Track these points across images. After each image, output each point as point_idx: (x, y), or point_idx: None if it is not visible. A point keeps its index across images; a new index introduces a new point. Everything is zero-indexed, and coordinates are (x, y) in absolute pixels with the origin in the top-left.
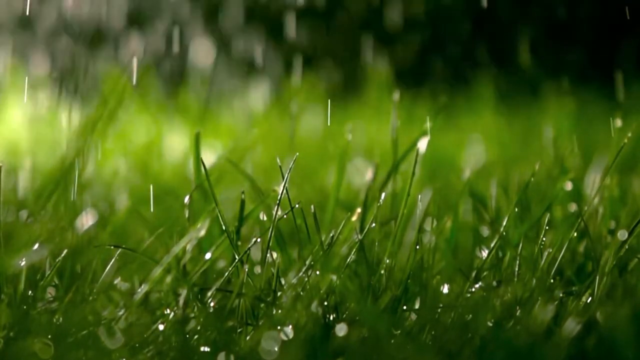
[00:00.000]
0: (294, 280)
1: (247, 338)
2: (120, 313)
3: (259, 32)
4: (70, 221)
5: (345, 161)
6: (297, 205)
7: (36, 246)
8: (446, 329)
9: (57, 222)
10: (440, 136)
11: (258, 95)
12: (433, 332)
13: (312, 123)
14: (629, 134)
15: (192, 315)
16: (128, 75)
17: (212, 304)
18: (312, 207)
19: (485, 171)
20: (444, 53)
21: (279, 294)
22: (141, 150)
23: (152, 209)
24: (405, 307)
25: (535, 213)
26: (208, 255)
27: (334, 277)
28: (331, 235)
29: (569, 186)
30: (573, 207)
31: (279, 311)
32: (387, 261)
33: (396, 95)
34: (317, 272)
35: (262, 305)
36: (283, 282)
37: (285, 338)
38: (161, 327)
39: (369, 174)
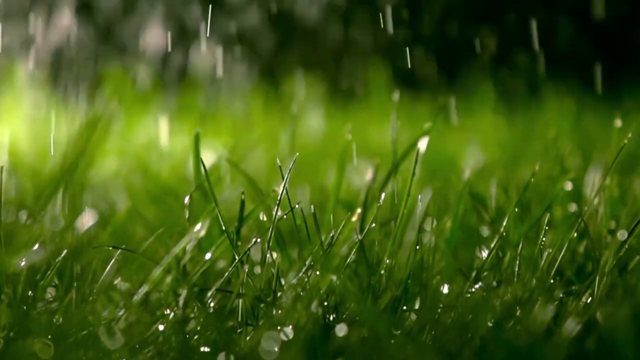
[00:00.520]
0: (294, 281)
1: (247, 338)
2: (120, 313)
3: (259, 32)
4: (70, 221)
5: (345, 161)
6: (297, 206)
7: (36, 246)
8: (446, 329)
9: (57, 223)
10: (440, 136)
11: (258, 95)
12: (433, 332)
13: (313, 123)
14: (629, 134)
15: (192, 315)
16: (129, 75)
17: (212, 304)
18: (312, 207)
19: (485, 171)
20: (444, 53)
21: (279, 294)
22: (141, 150)
23: (152, 210)
24: (405, 307)
25: (535, 213)
26: (208, 256)
27: (334, 277)
28: (331, 235)
29: (569, 186)
30: (573, 207)
31: (279, 311)
32: (387, 261)
33: (396, 96)
34: (317, 272)
35: (262, 305)
36: (283, 282)
37: (285, 338)
38: (161, 327)
39: (369, 174)
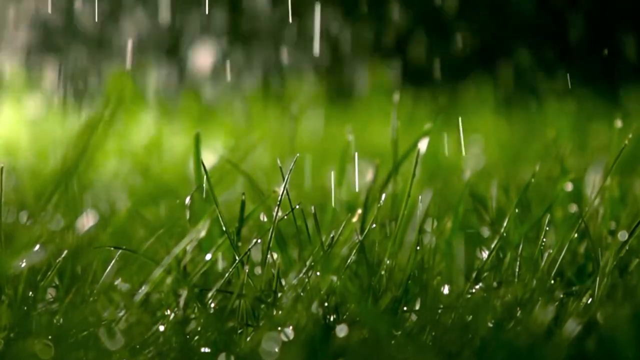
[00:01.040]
0: (295, 281)
1: (248, 339)
2: (121, 314)
3: (260, 32)
4: (70, 222)
5: (345, 162)
6: (297, 206)
7: (37, 247)
8: (446, 329)
9: (58, 223)
10: (440, 137)
11: (259, 95)
12: (433, 333)
13: (313, 124)
14: (630, 135)
15: (193, 316)
16: (129, 76)
17: (212, 305)
18: (312, 207)
19: (485, 172)
20: (444, 53)
21: (279, 294)
22: (142, 151)
23: (152, 210)
24: (405, 308)
25: (536, 214)
26: (208, 256)
27: (335, 278)
28: (332, 236)
29: (569, 187)
30: (573, 207)
31: (280, 312)
32: (388, 262)
33: (396, 96)
34: (318, 273)
35: (263, 306)
36: (283, 283)
37: (285, 339)
38: (161, 328)
39: (369, 175)
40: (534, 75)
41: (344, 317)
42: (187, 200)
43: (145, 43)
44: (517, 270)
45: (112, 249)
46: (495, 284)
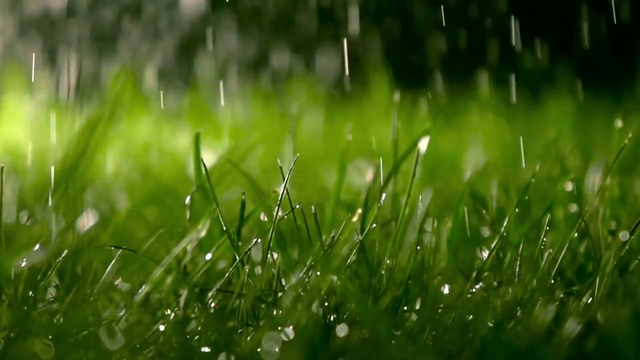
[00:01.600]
0: (295, 281)
1: (248, 339)
2: (121, 314)
3: (260, 32)
4: (70, 222)
5: (345, 162)
6: (297, 206)
7: (37, 247)
8: (447, 329)
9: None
10: (440, 136)
11: (259, 95)
12: (434, 333)
13: (313, 124)
14: (630, 135)
15: (193, 316)
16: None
17: (212, 305)
18: (312, 207)
19: (485, 172)
20: (444, 53)
21: (279, 294)
22: (142, 150)
23: (153, 210)
24: (405, 308)
25: (536, 214)
26: (209, 256)
27: (335, 278)
28: (332, 235)
29: (569, 187)
30: (574, 207)
31: (280, 312)
32: (388, 262)
33: (397, 96)
34: (318, 273)
35: (263, 305)
36: (284, 282)
37: (285, 339)
38: (162, 327)
39: (369, 175)
40: (534, 75)
41: (344, 316)
42: (187, 200)
43: (146, 43)
44: (517, 270)
45: (113, 248)
46: (495, 283)
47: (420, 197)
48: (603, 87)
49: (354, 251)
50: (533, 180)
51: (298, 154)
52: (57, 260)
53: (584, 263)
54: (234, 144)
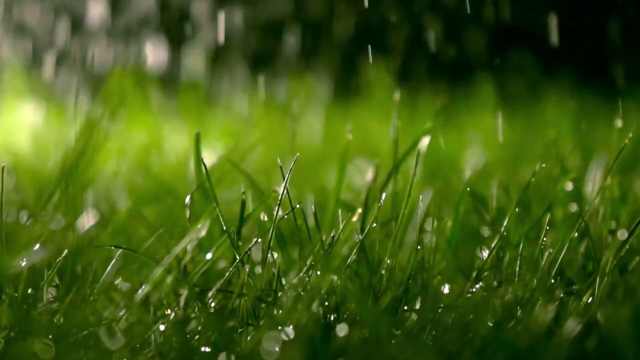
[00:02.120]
0: (295, 281)
1: (248, 338)
2: (121, 313)
3: (260, 32)
4: (70, 221)
5: (346, 161)
6: (297, 206)
7: (37, 247)
8: (447, 329)
9: (58, 223)
10: (440, 136)
11: (259, 95)
12: (434, 333)
13: (313, 123)
14: (630, 134)
15: (193, 315)
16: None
17: (212, 305)
18: (312, 207)
19: (485, 171)
20: (444, 53)
21: (279, 294)
22: (142, 150)
23: (153, 210)
24: (406, 308)
25: (536, 213)
26: (209, 256)
27: (335, 278)
28: (332, 235)
29: (569, 186)
30: (574, 207)
31: (280, 311)
32: (388, 261)
33: (397, 95)
34: (318, 273)
35: (263, 305)
36: (284, 282)
37: (286, 338)
38: (162, 327)
39: (369, 174)
40: (534, 75)
41: (345, 316)
42: (187, 199)
43: (146, 43)
44: (517, 269)
45: (113, 248)
46: (495, 283)
47: (420, 196)
48: (603, 87)
49: (354, 251)
50: (533, 180)
51: (298, 154)
52: (57, 260)
53: (584, 263)
54: (234, 143)
